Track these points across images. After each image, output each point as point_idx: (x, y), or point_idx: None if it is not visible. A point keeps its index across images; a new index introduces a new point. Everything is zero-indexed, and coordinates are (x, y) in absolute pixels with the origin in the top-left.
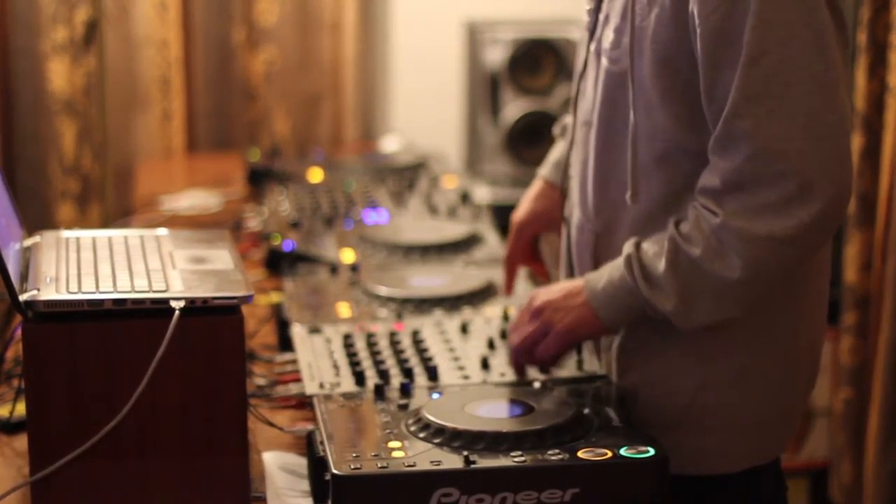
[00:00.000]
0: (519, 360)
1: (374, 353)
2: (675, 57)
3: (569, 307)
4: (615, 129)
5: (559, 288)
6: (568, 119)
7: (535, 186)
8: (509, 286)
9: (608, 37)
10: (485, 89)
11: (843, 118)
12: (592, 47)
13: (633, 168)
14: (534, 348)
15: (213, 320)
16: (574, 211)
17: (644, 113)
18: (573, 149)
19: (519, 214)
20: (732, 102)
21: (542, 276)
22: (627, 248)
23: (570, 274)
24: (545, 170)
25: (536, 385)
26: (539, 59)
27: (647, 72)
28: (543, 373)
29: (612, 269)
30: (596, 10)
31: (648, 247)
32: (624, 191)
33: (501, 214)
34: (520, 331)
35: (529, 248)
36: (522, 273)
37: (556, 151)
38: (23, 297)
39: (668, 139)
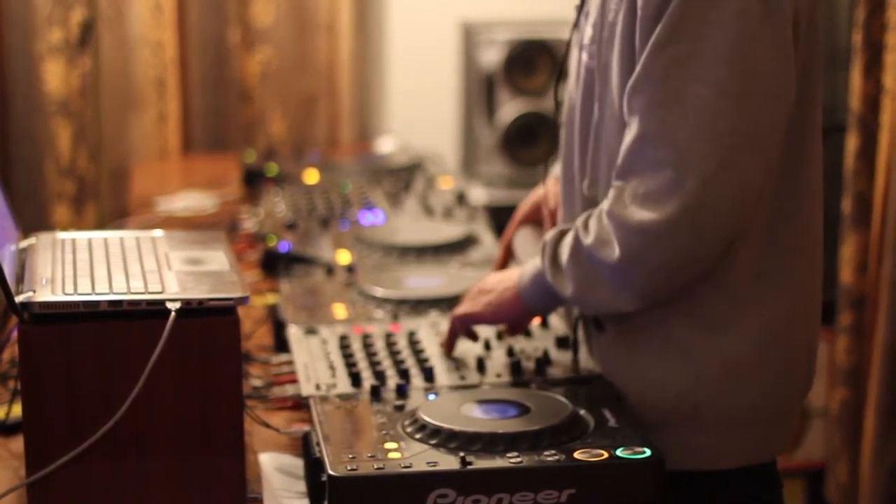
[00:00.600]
0: (449, 334)
1: (370, 354)
2: (636, 51)
3: (499, 289)
4: (594, 125)
5: (500, 273)
6: None
7: (549, 182)
8: (501, 266)
9: (588, 32)
10: (480, 90)
11: (737, 132)
12: (576, 43)
13: (594, 160)
14: (457, 322)
15: (209, 321)
16: (560, 210)
17: (614, 108)
18: (560, 147)
19: (524, 202)
20: (635, 78)
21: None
22: (548, 234)
23: None
24: (558, 169)
25: (533, 386)
26: (534, 60)
27: (615, 66)
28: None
29: (534, 259)
30: (581, 7)
31: (565, 240)
32: (605, 188)
33: (497, 215)
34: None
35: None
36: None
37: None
38: (19, 299)
39: None
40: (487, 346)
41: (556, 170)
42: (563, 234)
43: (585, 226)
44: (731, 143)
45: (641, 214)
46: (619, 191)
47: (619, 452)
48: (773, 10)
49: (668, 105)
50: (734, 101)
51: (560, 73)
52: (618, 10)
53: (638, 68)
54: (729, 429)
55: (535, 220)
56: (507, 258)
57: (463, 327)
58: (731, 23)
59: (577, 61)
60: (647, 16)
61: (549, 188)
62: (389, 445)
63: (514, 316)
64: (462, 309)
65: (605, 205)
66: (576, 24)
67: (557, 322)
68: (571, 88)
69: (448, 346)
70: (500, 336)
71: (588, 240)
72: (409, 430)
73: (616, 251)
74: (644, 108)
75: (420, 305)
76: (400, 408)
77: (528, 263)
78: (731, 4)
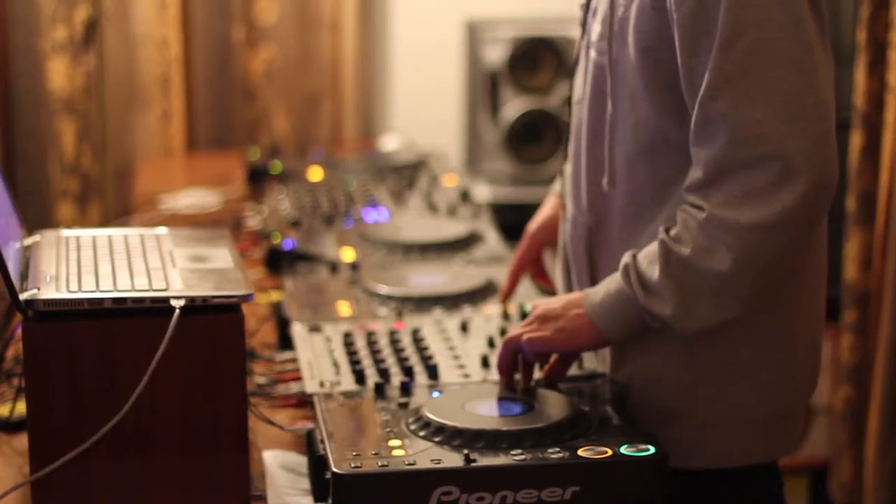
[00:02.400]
0: (506, 355)
1: (374, 351)
2: (657, 46)
3: (568, 316)
4: (604, 121)
5: (560, 298)
6: None
7: (549, 200)
8: (507, 293)
9: (596, 29)
10: (484, 88)
11: (822, 102)
12: (584, 41)
13: (610, 156)
14: (527, 346)
15: (214, 319)
16: (568, 205)
17: (629, 104)
18: (569, 143)
19: (531, 226)
20: (708, 85)
21: (545, 285)
22: (625, 258)
23: (567, 268)
24: (557, 185)
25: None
26: (538, 58)
27: (631, 62)
28: (528, 382)
29: (610, 282)
30: (587, 4)
31: (644, 256)
32: (615, 183)
33: (501, 213)
34: (517, 329)
35: (537, 259)
36: (525, 278)
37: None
38: (23, 296)
39: (652, 130)
40: (491, 344)
41: (556, 186)
42: (637, 255)
43: (672, 236)
44: (820, 114)
45: (752, 214)
46: (705, 197)
47: (623, 450)
48: None
49: (754, 99)
50: (810, 76)
51: (573, 73)
52: (628, 5)
53: (708, 74)
54: (732, 427)
55: (548, 242)
56: (514, 286)
57: (532, 354)
58: (785, 3)
59: (584, 58)
60: (688, 14)
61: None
62: (393, 443)
63: (589, 343)
64: (529, 334)
65: (693, 213)
66: (583, 22)
67: None
68: (579, 85)
69: (506, 373)
70: (503, 333)
71: (685, 250)
72: (413, 427)
73: (727, 257)
74: (728, 110)
75: (424, 303)
76: (404, 405)
77: (595, 290)
78: None
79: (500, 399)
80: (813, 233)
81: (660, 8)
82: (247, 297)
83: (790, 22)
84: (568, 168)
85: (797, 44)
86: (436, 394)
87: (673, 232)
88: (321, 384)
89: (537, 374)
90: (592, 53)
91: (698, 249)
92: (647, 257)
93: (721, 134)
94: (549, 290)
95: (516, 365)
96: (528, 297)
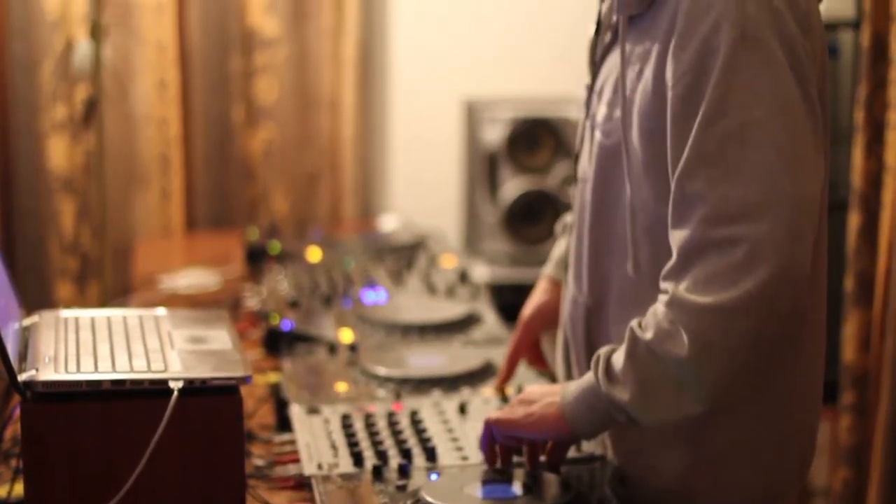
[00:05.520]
0: (484, 436)
1: (372, 433)
2: (657, 128)
3: (543, 402)
4: (608, 203)
5: (545, 386)
6: (569, 217)
7: (541, 284)
8: (505, 379)
9: (601, 111)
10: (483, 168)
11: (800, 194)
12: (588, 122)
13: (633, 237)
14: (494, 427)
15: (212, 401)
16: (570, 284)
17: (631, 186)
18: (574, 223)
19: (525, 311)
20: (686, 162)
21: (543, 369)
22: (600, 350)
23: (566, 348)
24: (549, 268)
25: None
26: (537, 138)
27: (634, 143)
28: (506, 464)
29: (586, 375)
30: (592, 85)
31: (619, 348)
32: (614, 265)
33: (500, 293)
34: (499, 411)
35: (533, 344)
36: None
37: (559, 249)
38: (21, 378)
39: (652, 214)
40: None
41: (547, 269)
42: (615, 349)
43: (640, 324)
44: (797, 205)
45: (711, 297)
46: (676, 283)
47: None
48: (803, 76)
49: (730, 179)
50: (792, 163)
51: (577, 154)
52: (634, 87)
53: (686, 152)
54: None
55: (543, 327)
56: (511, 372)
57: (500, 435)
58: (773, 88)
59: (589, 140)
60: (680, 95)
61: (557, 292)
62: None
63: (554, 432)
64: (497, 414)
65: (661, 299)
66: (587, 103)
67: None
68: (583, 166)
69: (486, 455)
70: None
71: (647, 335)
72: None
73: (685, 341)
74: (704, 188)
75: (423, 384)
76: (402, 488)
77: (574, 381)
78: (769, 71)
79: (499, 482)
80: (779, 326)
81: (660, 91)
82: (245, 379)
83: (777, 108)
84: (571, 248)
85: (782, 129)
86: (434, 476)
87: (643, 321)
88: (319, 466)
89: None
90: (597, 135)
91: (660, 333)
92: (620, 349)
93: (695, 212)
94: (547, 374)
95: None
96: (528, 379)
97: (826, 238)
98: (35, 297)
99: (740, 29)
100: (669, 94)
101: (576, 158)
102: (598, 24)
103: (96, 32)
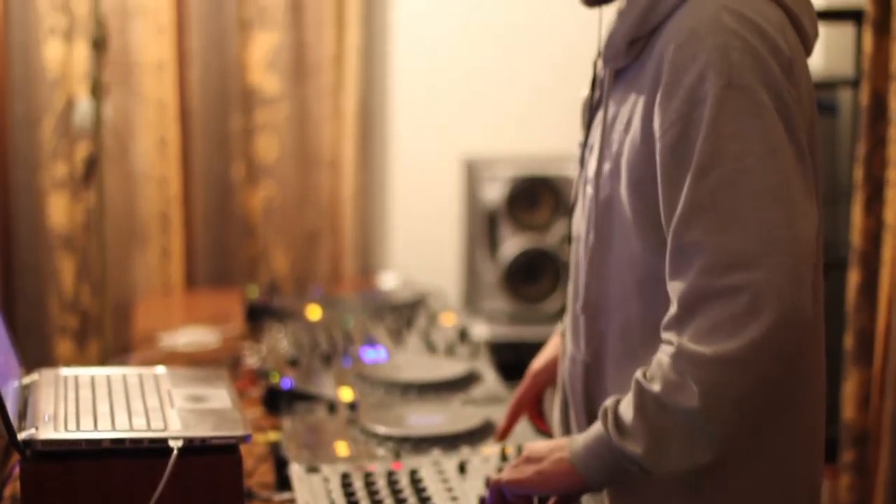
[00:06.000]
0: (492, 498)
1: (371, 492)
2: (646, 180)
3: (551, 459)
4: (601, 258)
5: (549, 442)
6: None
7: (553, 340)
8: (504, 432)
9: (592, 166)
10: (483, 226)
11: (797, 238)
12: (581, 179)
13: (626, 290)
14: (506, 488)
15: (212, 460)
16: (568, 342)
17: (622, 239)
18: (569, 281)
19: (535, 364)
20: (681, 213)
21: (541, 427)
22: (608, 401)
23: (565, 406)
24: (562, 327)
25: None
26: (537, 196)
27: (623, 196)
28: None
29: (593, 426)
30: (585, 142)
31: (625, 399)
32: (610, 320)
33: (500, 352)
34: (503, 471)
35: (537, 399)
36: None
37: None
38: (21, 436)
39: (642, 266)
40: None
41: (560, 326)
42: (620, 400)
43: (646, 375)
44: (794, 250)
45: (718, 346)
46: (679, 333)
47: None
48: (790, 121)
49: (727, 228)
50: (786, 208)
51: (571, 210)
52: (622, 139)
53: (681, 203)
54: None
55: (550, 383)
56: (512, 425)
57: (512, 496)
58: (762, 134)
59: (582, 195)
60: (669, 145)
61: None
62: None
63: (567, 487)
64: (507, 475)
65: (665, 350)
66: (581, 160)
67: None
68: (577, 222)
69: None
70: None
71: (655, 387)
72: None
73: (695, 392)
74: (701, 238)
75: (422, 444)
76: None
77: (580, 435)
78: (757, 118)
79: None
80: (786, 369)
81: (647, 142)
82: (245, 438)
83: (768, 155)
84: (568, 305)
85: (774, 176)
86: None
87: (647, 371)
88: None
89: None
90: (589, 190)
91: (668, 385)
92: (626, 400)
93: (694, 263)
94: (545, 433)
95: None
96: (526, 437)
97: (822, 291)
98: (35, 354)
99: (726, 77)
100: (658, 144)
101: (571, 216)
102: (594, 81)
103: (97, 91)
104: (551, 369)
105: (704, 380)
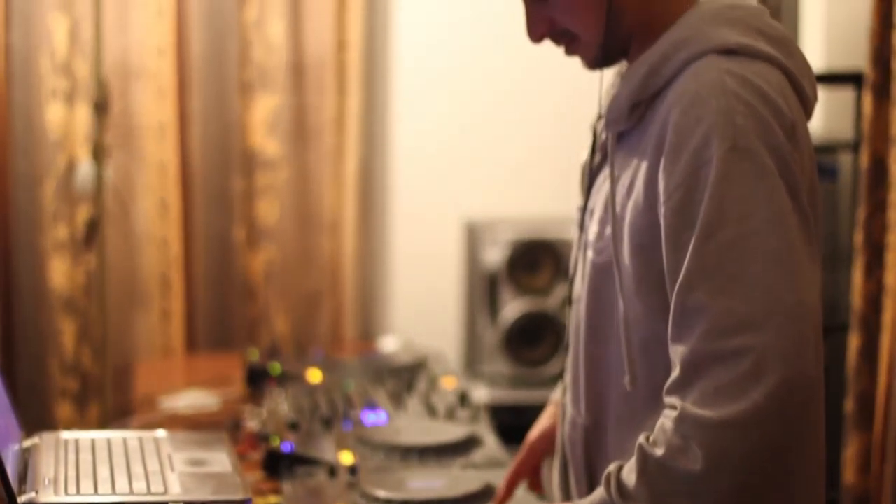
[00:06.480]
0: None
1: None
2: (650, 244)
3: None
4: (601, 322)
5: None
6: None
7: (549, 409)
8: (502, 500)
9: (593, 229)
10: (483, 289)
11: (801, 301)
12: (581, 243)
13: (629, 353)
14: None
15: None
16: (567, 406)
17: (624, 302)
18: (569, 345)
19: (532, 434)
20: (685, 275)
21: (541, 493)
22: (610, 467)
23: (564, 470)
24: (558, 394)
25: None
26: (537, 259)
27: (626, 260)
28: None
29: (595, 492)
30: (585, 206)
31: (628, 464)
32: (611, 383)
33: (500, 416)
34: None
35: (535, 468)
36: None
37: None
38: (21, 500)
39: (645, 329)
40: None
41: (556, 394)
42: (623, 465)
43: (649, 440)
44: (799, 313)
45: (722, 410)
46: (683, 397)
47: None
48: (793, 184)
49: (731, 291)
50: (790, 272)
51: (571, 274)
52: (624, 203)
53: (686, 265)
54: None
55: (548, 452)
56: (510, 494)
57: None
58: (767, 197)
59: (582, 259)
60: (674, 208)
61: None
62: None
63: None
64: None
65: (668, 414)
66: (580, 223)
67: None
68: (577, 286)
69: None
70: None
71: (658, 451)
72: None
73: (699, 456)
74: (705, 301)
75: None
76: None
77: (583, 500)
78: (762, 181)
79: None
80: (790, 432)
81: (651, 206)
82: (245, 502)
83: (772, 218)
84: (568, 368)
85: (779, 240)
86: None
87: (651, 436)
88: None
89: None
90: (590, 253)
91: (671, 449)
92: (629, 465)
93: (697, 326)
94: (546, 500)
95: None
96: (527, 501)
97: (822, 354)
98: (35, 416)
99: (731, 140)
100: (662, 207)
101: (570, 280)
102: (594, 145)
103: (98, 153)
104: (549, 438)
105: (709, 443)
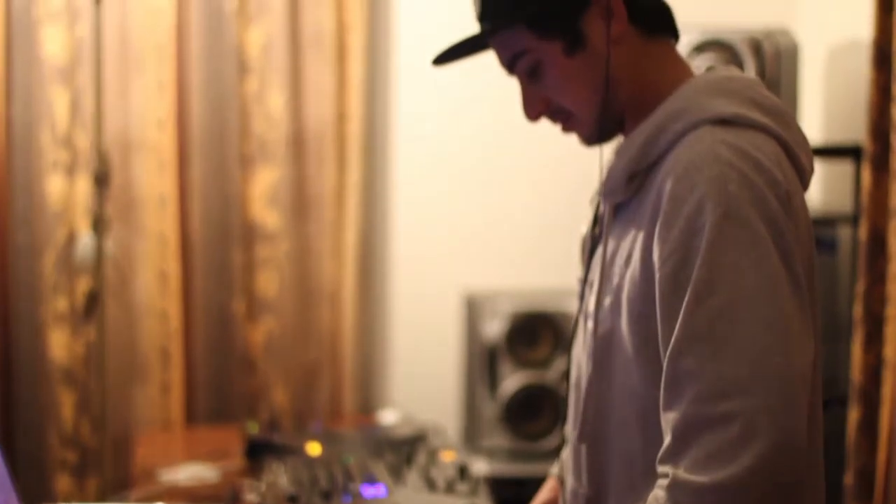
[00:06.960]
0: None
1: None
2: (646, 314)
3: None
4: (602, 392)
5: None
6: None
7: (548, 483)
8: None
9: (592, 301)
10: (483, 361)
11: (790, 365)
12: (581, 313)
13: (628, 423)
14: None
15: None
16: (568, 477)
17: (623, 372)
18: (570, 417)
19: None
20: (676, 341)
21: None
22: None
23: None
24: (556, 468)
25: None
26: (537, 332)
27: (624, 329)
28: None
29: None
30: (585, 278)
31: None
32: (611, 453)
33: (500, 489)
34: None
35: None
36: None
37: (567, 450)
38: None
39: (643, 398)
40: None
41: (555, 468)
42: None
43: None
44: (788, 377)
45: (714, 475)
46: (675, 465)
47: None
48: (787, 252)
49: (721, 356)
50: (781, 338)
51: (570, 348)
52: (622, 273)
53: (676, 330)
54: None
55: None
56: None
57: None
58: (758, 264)
59: (582, 330)
60: (668, 274)
61: (557, 492)
62: None
63: None
64: None
65: (661, 483)
66: (580, 295)
67: None
68: (578, 359)
69: None
70: None
71: None
72: None
73: None
74: (695, 366)
75: None
76: None
77: None
78: (754, 248)
79: None
80: (783, 496)
81: (647, 275)
82: None
83: (764, 284)
84: (568, 439)
85: (769, 306)
86: None
87: None
88: None
89: None
90: (589, 324)
91: None
92: None
93: (687, 391)
94: None
95: None
96: None
97: (822, 426)
98: (34, 488)
99: (724, 207)
100: (657, 274)
101: (569, 351)
102: (595, 217)
103: (98, 225)
104: None
105: None
